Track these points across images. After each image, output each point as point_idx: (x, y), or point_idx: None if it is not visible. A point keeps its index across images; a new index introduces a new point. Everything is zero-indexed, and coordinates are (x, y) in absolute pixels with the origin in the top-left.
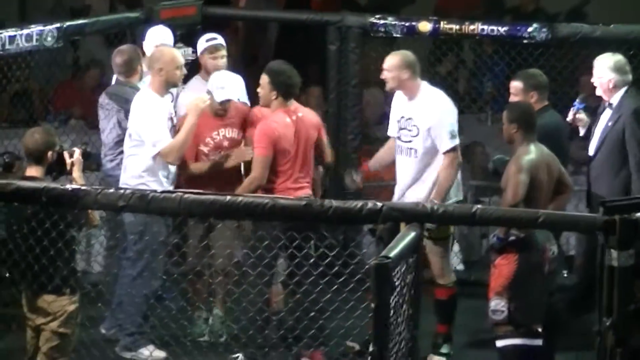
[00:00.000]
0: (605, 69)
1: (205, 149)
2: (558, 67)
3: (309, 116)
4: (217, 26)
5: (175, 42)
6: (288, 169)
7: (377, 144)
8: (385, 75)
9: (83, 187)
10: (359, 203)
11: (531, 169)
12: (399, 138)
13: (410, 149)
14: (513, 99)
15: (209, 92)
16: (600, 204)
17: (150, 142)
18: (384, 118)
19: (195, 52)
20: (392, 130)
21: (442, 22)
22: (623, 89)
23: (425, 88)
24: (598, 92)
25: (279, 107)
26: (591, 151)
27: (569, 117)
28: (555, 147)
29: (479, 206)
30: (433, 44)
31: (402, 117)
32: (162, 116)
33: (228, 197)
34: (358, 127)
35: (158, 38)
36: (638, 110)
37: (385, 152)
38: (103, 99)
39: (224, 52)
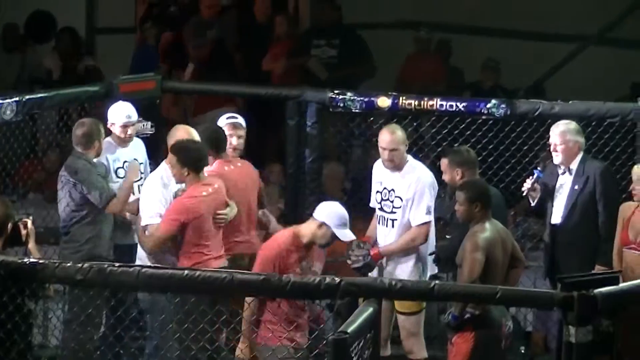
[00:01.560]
0: (573, 134)
1: None
2: (517, 142)
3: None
4: None
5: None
6: (206, 242)
7: None
8: (390, 154)
9: (41, 261)
10: (317, 278)
11: (487, 247)
12: (381, 209)
13: (393, 220)
14: (444, 176)
15: (322, 224)
16: (558, 280)
17: (146, 214)
18: (344, 193)
19: (154, 126)
20: (373, 201)
21: (401, 98)
22: (581, 153)
23: (412, 161)
24: (560, 159)
25: (193, 182)
26: (556, 219)
27: (527, 187)
28: (501, 220)
29: (437, 282)
30: (391, 118)
31: (385, 189)
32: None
33: (186, 272)
34: (317, 202)
35: (122, 113)
36: (607, 169)
37: (374, 224)
38: (61, 170)
39: (241, 132)
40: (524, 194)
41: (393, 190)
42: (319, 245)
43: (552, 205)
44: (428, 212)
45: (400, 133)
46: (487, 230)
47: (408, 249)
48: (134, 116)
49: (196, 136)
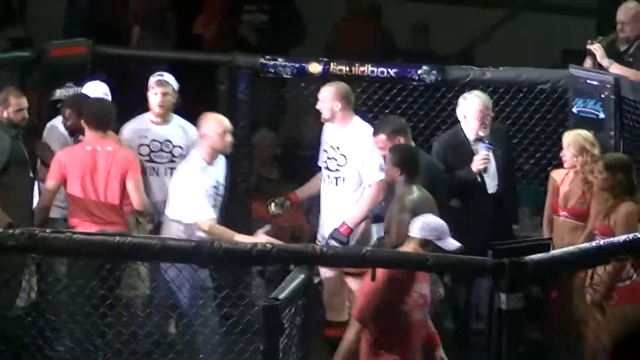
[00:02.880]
0: (490, 104)
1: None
2: (447, 108)
3: (121, 153)
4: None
5: (66, 81)
6: (79, 201)
7: (267, 185)
8: (320, 106)
9: None
10: (249, 244)
11: (414, 209)
12: (326, 168)
13: (337, 177)
14: (383, 153)
15: (425, 241)
16: (489, 246)
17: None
18: (274, 159)
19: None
20: (320, 160)
21: (332, 64)
22: None
23: (357, 120)
24: (487, 130)
25: (88, 136)
26: (492, 188)
27: (485, 163)
28: (434, 184)
29: (368, 248)
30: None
31: (331, 147)
32: (193, 184)
33: (117, 238)
34: (247, 167)
35: (94, 92)
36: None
37: (313, 182)
38: None
39: (166, 89)
40: (479, 171)
41: (338, 147)
42: None
43: (483, 176)
44: (381, 169)
45: (335, 89)
46: (414, 192)
47: (369, 211)
48: (106, 94)
49: (227, 124)
